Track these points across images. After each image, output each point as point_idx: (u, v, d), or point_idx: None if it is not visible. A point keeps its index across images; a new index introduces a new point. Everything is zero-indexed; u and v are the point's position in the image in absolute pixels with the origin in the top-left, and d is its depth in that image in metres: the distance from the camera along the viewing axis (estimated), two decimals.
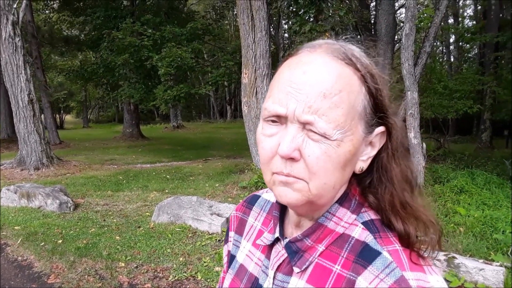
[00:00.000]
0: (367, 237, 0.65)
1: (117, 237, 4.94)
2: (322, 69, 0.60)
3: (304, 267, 0.68)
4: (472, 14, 28.95)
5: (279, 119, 0.62)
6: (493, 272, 3.54)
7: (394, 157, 0.68)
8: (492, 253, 4.12)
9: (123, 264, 4.11)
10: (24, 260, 4.27)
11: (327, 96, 0.59)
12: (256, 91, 8.12)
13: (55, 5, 18.07)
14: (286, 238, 0.73)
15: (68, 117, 41.44)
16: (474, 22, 24.79)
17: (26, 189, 6.26)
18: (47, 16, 18.67)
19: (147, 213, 6.01)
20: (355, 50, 0.66)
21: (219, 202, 6.15)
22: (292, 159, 0.60)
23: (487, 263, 3.72)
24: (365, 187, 0.70)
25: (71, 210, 6.08)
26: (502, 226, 4.60)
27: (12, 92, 9.17)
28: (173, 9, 15.06)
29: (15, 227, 5.20)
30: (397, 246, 0.63)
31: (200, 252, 4.46)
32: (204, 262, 4.17)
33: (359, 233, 0.66)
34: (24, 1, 9.32)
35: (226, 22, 31.26)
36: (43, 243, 4.66)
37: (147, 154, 14.01)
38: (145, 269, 4.04)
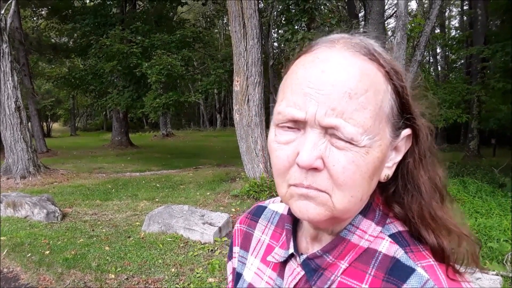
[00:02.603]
0: (397, 251, 0.59)
1: (107, 248, 4.81)
2: (343, 67, 0.54)
3: (325, 287, 0.60)
4: (457, 25, 29.52)
5: (296, 124, 0.55)
6: (490, 281, 3.52)
7: (422, 163, 0.62)
8: (487, 261, 4.11)
9: (113, 276, 3.99)
10: (10, 272, 4.13)
11: (353, 97, 0.52)
12: (248, 99, 8.08)
13: (43, 12, 17.88)
14: (301, 254, 0.66)
15: (55, 125, 40.89)
16: (460, 32, 25.32)
17: (12, 198, 6.10)
18: (35, 23, 18.47)
19: (137, 223, 5.89)
20: (375, 45, 0.59)
21: (211, 211, 6.06)
22: (314, 169, 0.53)
23: (483, 272, 3.70)
24: (389, 196, 0.63)
25: (59, 220, 5.93)
26: (496, 234, 4.60)
27: None
28: (163, 17, 15.02)
29: (1, 238, 5.04)
30: (432, 261, 0.58)
31: (192, 263, 4.36)
32: (197, 273, 4.08)
33: (387, 247, 0.59)
34: (12, 8, 9.18)
35: (216, 30, 31.34)
36: (29, 254, 4.51)
37: (137, 162, 13.85)
38: (136, 280, 3.93)
